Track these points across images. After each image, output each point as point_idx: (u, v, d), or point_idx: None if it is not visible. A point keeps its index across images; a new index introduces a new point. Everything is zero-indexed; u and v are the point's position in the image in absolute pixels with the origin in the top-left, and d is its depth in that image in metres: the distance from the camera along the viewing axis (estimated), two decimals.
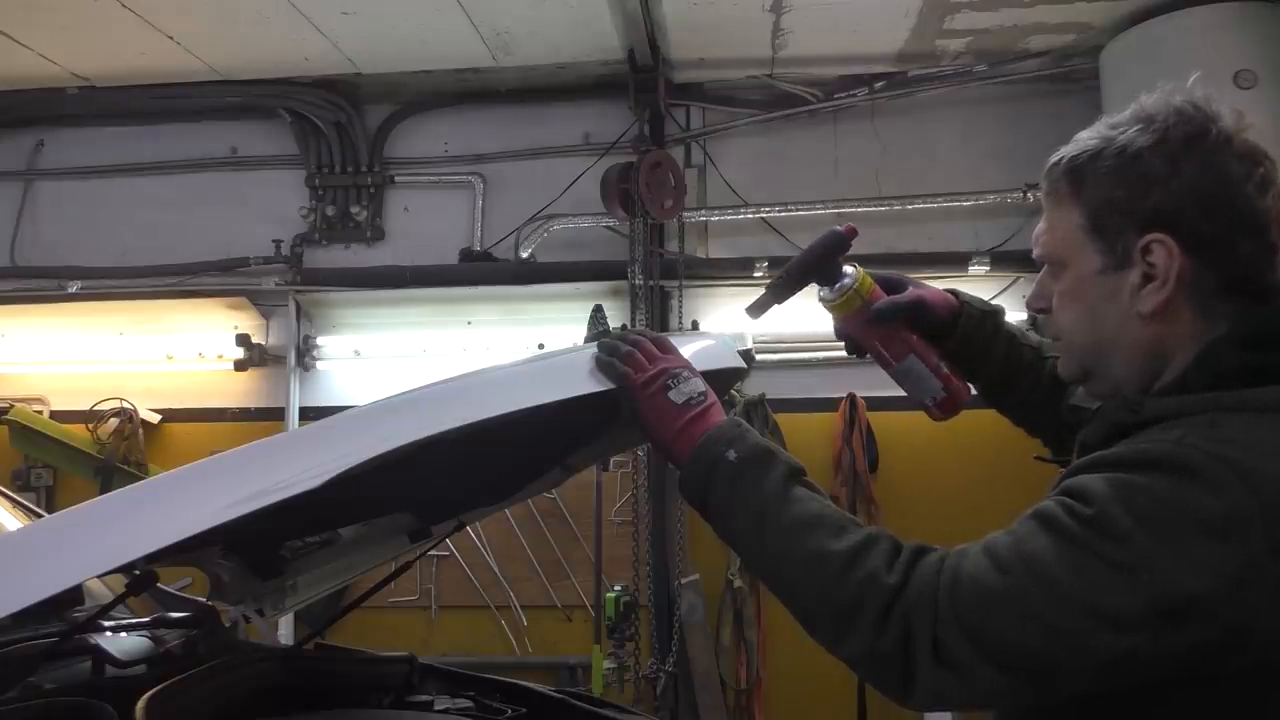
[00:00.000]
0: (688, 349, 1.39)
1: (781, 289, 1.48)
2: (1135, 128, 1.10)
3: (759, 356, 4.34)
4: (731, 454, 1.18)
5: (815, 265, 1.46)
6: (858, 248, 1.52)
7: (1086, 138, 1.14)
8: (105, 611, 1.58)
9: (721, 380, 1.55)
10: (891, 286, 1.51)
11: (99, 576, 1.12)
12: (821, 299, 1.48)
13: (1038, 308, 1.21)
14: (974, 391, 1.55)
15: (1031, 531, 1.00)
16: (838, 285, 1.46)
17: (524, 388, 1.26)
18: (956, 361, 1.51)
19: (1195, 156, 1.07)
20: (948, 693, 1.01)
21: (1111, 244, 1.11)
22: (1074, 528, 0.97)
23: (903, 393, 1.55)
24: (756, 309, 1.52)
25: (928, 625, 1.00)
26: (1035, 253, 1.20)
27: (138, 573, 1.38)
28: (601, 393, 1.28)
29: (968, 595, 0.99)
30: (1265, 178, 1.07)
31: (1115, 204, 1.10)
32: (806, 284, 1.48)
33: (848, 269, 1.47)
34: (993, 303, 1.56)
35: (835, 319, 1.50)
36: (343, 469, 1.08)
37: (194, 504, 1.07)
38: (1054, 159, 1.16)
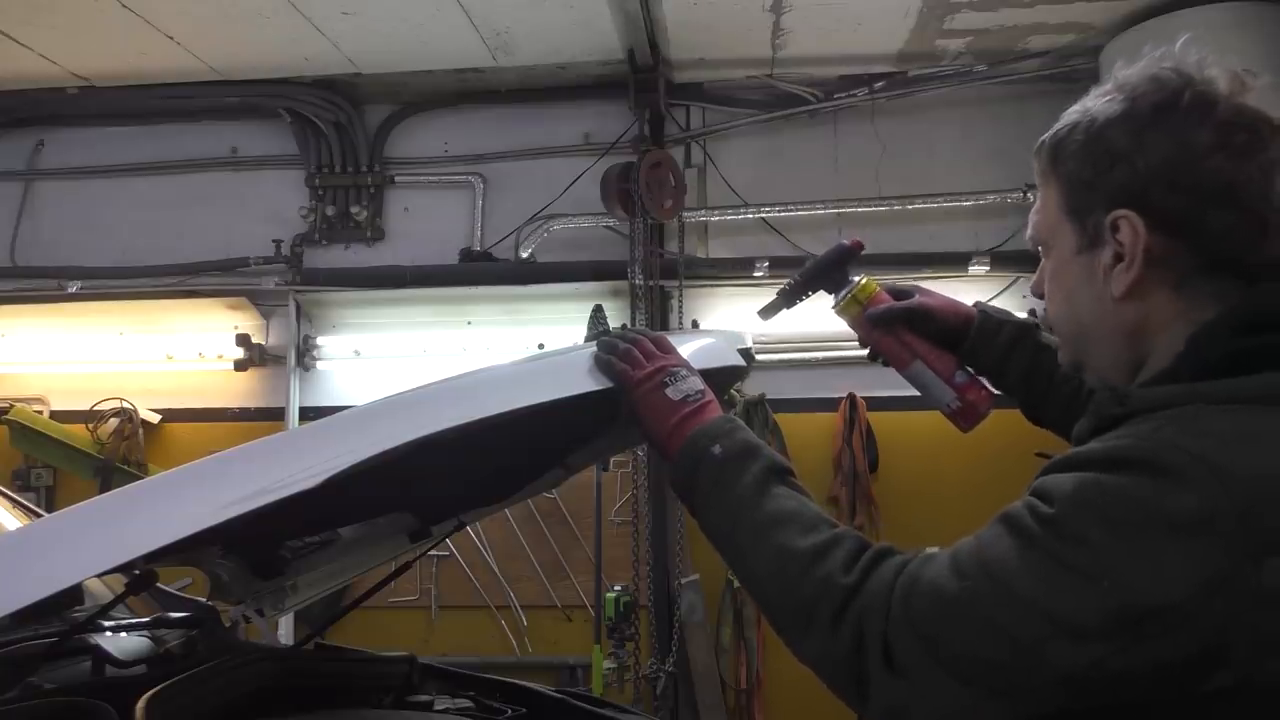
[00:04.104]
0: (687, 347, 1.39)
1: (791, 294, 1.56)
2: (1107, 98, 1.05)
3: (759, 356, 4.34)
4: (717, 449, 1.17)
5: (821, 274, 1.54)
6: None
7: (1069, 112, 1.09)
8: (105, 611, 1.58)
9: (721, 379, 1.55)
10: (899, 295, 1.52)
11: (98, 576, 1.12)
12: (832, 307, 1.56)
13: (1038, 294, 1.17)
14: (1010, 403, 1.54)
15: (995, 535, 0.95)
16: (841, 292, 1.52)
17: (522, 387, 1.26)
18: (978, 372, 1.50)
19: (1161, 126, 1.01)
20: (904, 704, 0.95)
21: (1084, 223, 1.05)
22: (1035, 529, 0.91)
23: (910, 393, 1.59)
24: (768, 311, 1.59)
25: (878, 629, 0.96)
26: (1027, 234, 1.16)
27: (137, 572, 1.38)
28: (600, 391, 1.28)
29: (923, 600, 0.94)
30: (1246, 145, 1.00)
31: (1085, 181, 1.04)
32: (814, 290, 1.55)
33: (854, 278, 1.53)
34: (1024, 317, 1.52)
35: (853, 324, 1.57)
36: (341, 468, 1.08)
37: (193, 503, 1.06)
38: (1042, 137, 1.12)
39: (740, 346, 1.59)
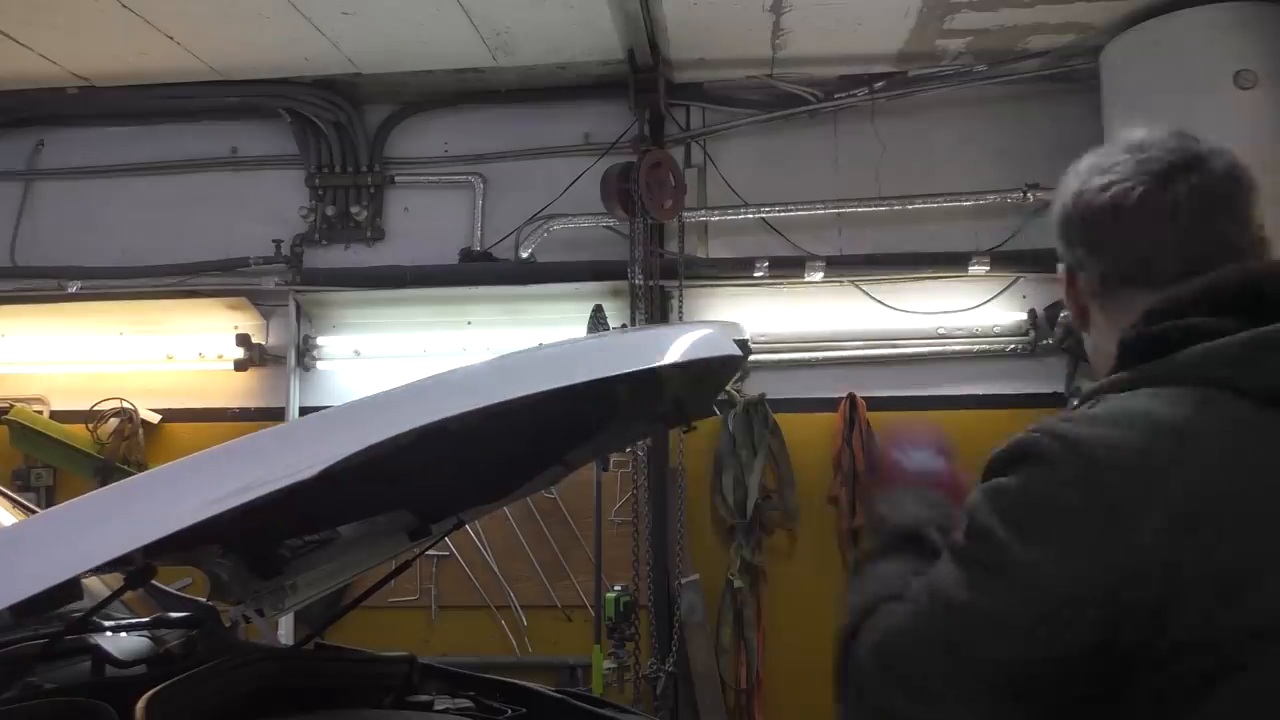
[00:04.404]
0: (684, 336, 1.38)
1: None
2: None
3: (760, 356, 4.34)
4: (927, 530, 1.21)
5: None
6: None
7: None
8: (101, 607, 1.57)
9: (719, 368, 1.54)
10: None
11: (97, 569, 1.11)
12: None
13: None
14: None
15: (941, 560, 1.05)
16: None
17: (506, 381, 1.25)
18: None
19: (1064, 188, 1.21)
20: None
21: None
22: (959, 542, 1.03)
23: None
24: None
25: (855, 671, 1.04)
26: None
27: (133, 569, 1.38)
28: (594, 383, 1.28)
29: (886, 633, 1.03)
30: (1114, 183, 1.14)
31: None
32: None
33: None
34: None
35: None
36: (336, 459, 1.08)
37: (186, 498, 1.06)
38: None
39: (737, 337, 1.56)
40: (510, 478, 1.91)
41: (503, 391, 1.20)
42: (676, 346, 1.41)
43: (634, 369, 1.35)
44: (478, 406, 1.17)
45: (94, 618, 1.68)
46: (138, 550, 1.04)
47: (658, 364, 1.39)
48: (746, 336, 1.60)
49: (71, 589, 1.22)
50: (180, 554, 1.61)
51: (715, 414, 4.32)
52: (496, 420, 1.20)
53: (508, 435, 1.51)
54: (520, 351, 1.41)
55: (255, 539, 1.67)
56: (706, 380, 1.75)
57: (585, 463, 2.02)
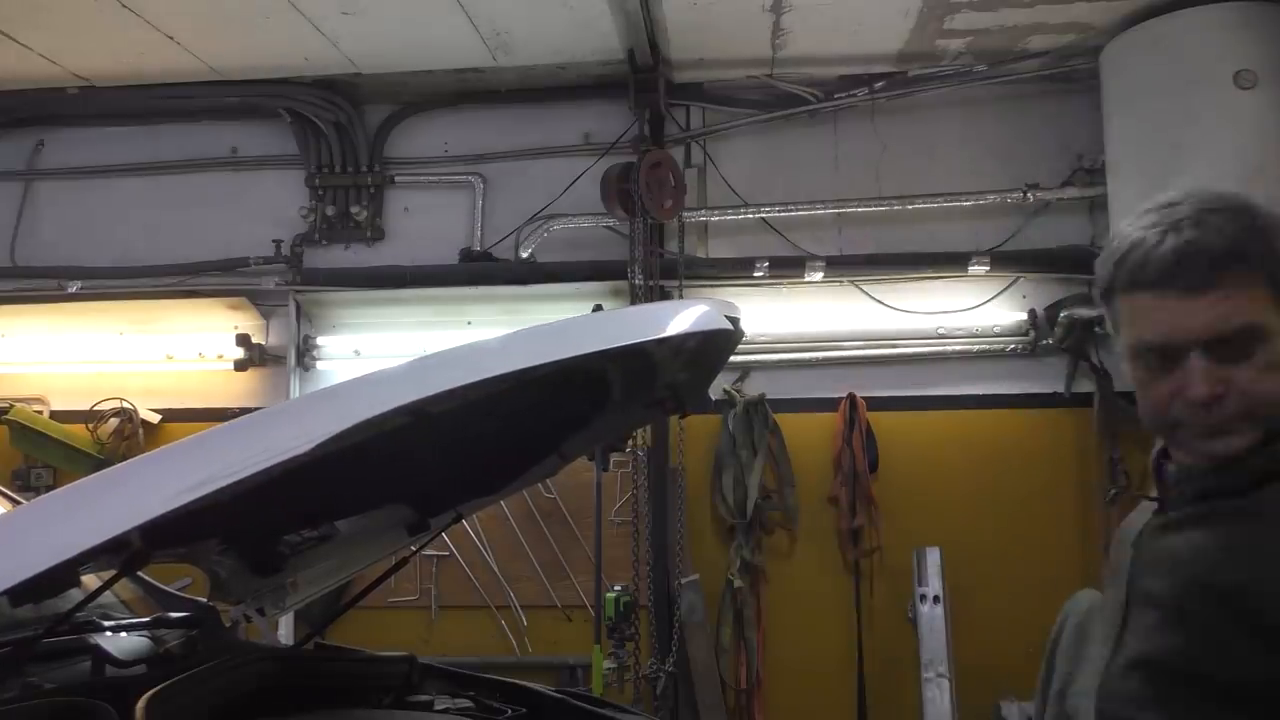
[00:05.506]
0: (679, 316, 1.37)
1: None
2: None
3: (761, 357, 4.35)
4: None
5: None
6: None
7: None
8: (98, 594, 1.57)
9: (713, 346, 1.52)
10: None
11: (94, 550, 1.09)
12: None
13: (1217, 394, 1.17)
14: None
15: None
16: None
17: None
18: None
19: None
20: None
21: None
22: None
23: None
24: None
25: None
26: (1208, 335, 1.18)
27: (129, 554, 1.37)
28: (588, 371, 1.27)
29: None
30: None
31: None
32: None
33: None
34: None
35: None
36: (331, 434, 1.07)
37: (185, 474, 1.05)
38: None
39: (730, 314, 1.53)
40: (507, 470, 1.91)
41: (497, 366, 1.19)
42: (671, 320, 1.40)
43: (630, 341, 1.33)
44: (474, 380, 1.17)
45: (94, 618, 1.68)
46: (135, 532, 1.03)
47: (653, 337, 1.37)
48: (739, 315, 1.56)
49: (69, 576, 1.22)
50: (178, 549, 1.61)
51: (712, 407, 4.33)
52: (490, 407, 1.19)
53: (502, 425, 1.51)
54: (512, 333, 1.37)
55: (253, 534, 1.67)
56: (701, 362, 1.74)
57: (582, 453, 2.02)
